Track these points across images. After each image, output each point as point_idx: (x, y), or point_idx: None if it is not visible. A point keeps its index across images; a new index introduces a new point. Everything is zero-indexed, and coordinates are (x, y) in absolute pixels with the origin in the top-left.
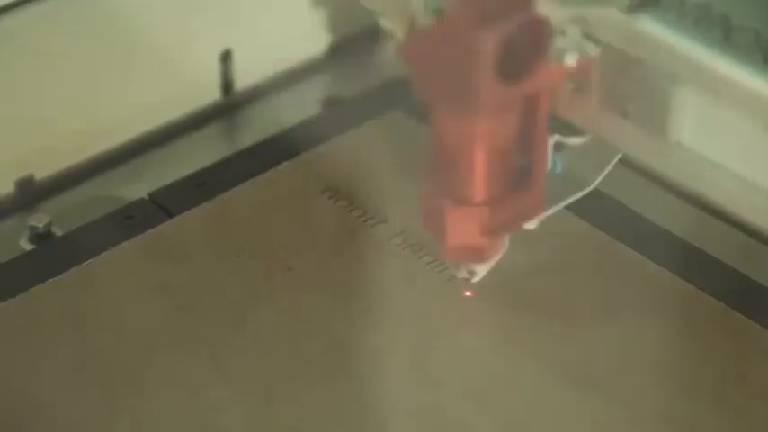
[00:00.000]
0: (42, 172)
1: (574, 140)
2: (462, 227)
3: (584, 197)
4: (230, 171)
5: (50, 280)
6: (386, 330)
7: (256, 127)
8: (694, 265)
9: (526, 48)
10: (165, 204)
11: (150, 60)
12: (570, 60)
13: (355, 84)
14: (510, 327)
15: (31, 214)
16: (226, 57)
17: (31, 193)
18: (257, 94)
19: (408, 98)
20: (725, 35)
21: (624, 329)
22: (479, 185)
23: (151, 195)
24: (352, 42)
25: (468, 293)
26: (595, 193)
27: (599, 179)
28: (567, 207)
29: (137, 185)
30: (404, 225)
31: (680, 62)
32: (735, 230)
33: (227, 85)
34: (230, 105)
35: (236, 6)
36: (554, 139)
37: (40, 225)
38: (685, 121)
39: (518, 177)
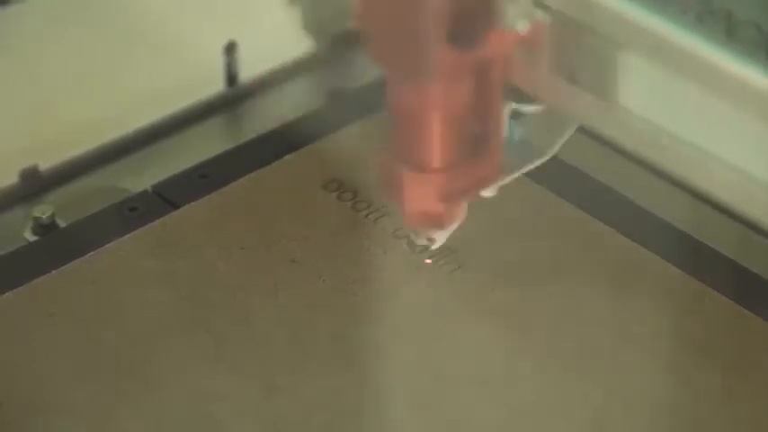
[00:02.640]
0: (46, 163)
1: (529, 108)
2: (419, 193)
3: (546, 166)
4: (234, 163)
5: (54, 271)
6: (387, 322)
7: (260, 119)
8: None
9: (478, 14)
10: (169, 196)
11: (155, 52)
12: (521, 26)
13: (360, 76)
14: (511, 317)
15: (35, 205)
16: (230, 49)
17: (35, 184)
18: (261, 85)
19: None
20: (728, 31)
21: (628, 319)
22: (435, 152)
23: (155, 187)
24: (357, 35)
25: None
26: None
27: (557, 147)
28: (531, 176)
29: (140, 177)
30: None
31: (682, 56)
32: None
33: (231, 77)
34: (234, 97)
35: None
36: (509, 106)
37: (44, 216)
38: (632, 87)
39: (475, 145)
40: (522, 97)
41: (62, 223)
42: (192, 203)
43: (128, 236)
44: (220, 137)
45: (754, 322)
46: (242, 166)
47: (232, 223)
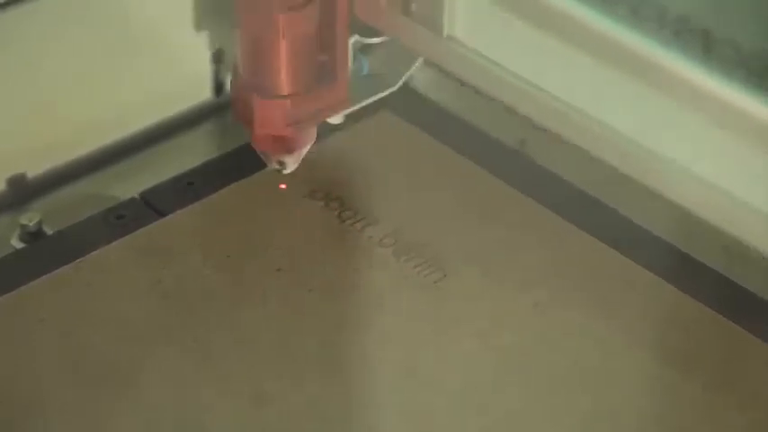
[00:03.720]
0: (34, 170)
1: (374, 40)
2: (268, 117)
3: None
4: (221, 171)
5: (41, 278)
6: (374, 330)
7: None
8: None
9: None
10: (156, 204)
11: (143, 60)
12: None
13: None
14: (497, 325)
15: (23, 212)
16: (218, 57)
17: (22, 192)
18: None
19: (397, 99)
20: (705, 48)
21: (612, 329)
22: (283, 78)
23: (142, 195)
24: None
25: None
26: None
27: (403, 78)
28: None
29: (128, 185)
30: (393, 226)
31: (661, 74)
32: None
33: (218, 85)
34: (222, 106)
35: (229, 7)
36: (354, 38)
37: (31, 223)
38: (459, 17)
39: (322, 73)
40: (368, 31)
41: (49, 230)
42: (180, 211)
43: (115, 243)
44: (208, 145)
45: (738, 334)
46: (229, 175)
47: (219, 231)
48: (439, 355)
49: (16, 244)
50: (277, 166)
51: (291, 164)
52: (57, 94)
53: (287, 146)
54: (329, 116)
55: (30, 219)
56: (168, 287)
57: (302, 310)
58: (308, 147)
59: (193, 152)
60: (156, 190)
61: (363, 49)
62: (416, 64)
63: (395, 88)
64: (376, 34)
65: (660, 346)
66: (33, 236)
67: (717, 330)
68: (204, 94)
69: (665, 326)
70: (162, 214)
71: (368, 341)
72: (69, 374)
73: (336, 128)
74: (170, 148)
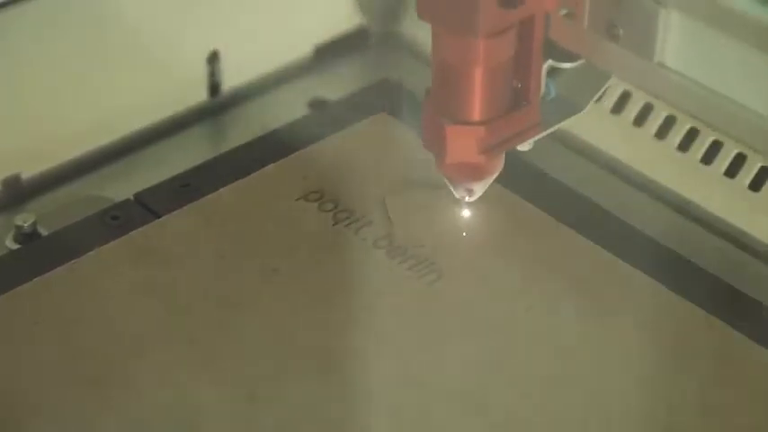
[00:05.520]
0: (29, 171)
1: (566, 65)
2: (460, 145)
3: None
4: (216, 172)
5: (36, 279)
6: (370, 332)
7: (243, 128)
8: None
9: None
10: (151, 205)
11: (137, 61)
12: None
13: (342, 86)
14: (491, 328)
15: (17, 213)
16: (213, 58)
17: (17, 193)
18: (244, 95)
19: (394, 100)
20: None
21: (606, 331)
22: (477, 104)
23: (137, 196)
24: (339, 44)
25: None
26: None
27: (591, 102)
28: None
29: (123, 186)
30: (389, 228)
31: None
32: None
33: (213, 87)
34: (217, 106)
35: (223, 8)
36: (547, 63)
37: (26, 224)
38: (671, 43)
39: (514, 99)
40: (559, 54)
41: (44, 231)
42: (175, 213)
43: (110, 244)
44: (203, 146)
45: (734, 337)
46: (224, 176)
47: (214, 233)
48: (434, 356)
49: (11, 245)
50: (464, 194)
51: (479, 191)
52: (51, 94)
53: (477, 173)
54: (521, 142)
55: (24, 220)
56: (163, 289)
57: (297, 311)
58: (497, 174)
59: (188, 153)
60: (151, 191)
61: (550, 73)
62: (605, 87)
63: (583, 112)
64: (570, 59)
65: (655, 349)
66: (28, 237)
67: (712, 333)
68: (199, 95)
69: (660, 328)
70: (157, 215)
71: (363, 342)
72: (64, 375)
73: (331, 129)
74: (165, 149)
